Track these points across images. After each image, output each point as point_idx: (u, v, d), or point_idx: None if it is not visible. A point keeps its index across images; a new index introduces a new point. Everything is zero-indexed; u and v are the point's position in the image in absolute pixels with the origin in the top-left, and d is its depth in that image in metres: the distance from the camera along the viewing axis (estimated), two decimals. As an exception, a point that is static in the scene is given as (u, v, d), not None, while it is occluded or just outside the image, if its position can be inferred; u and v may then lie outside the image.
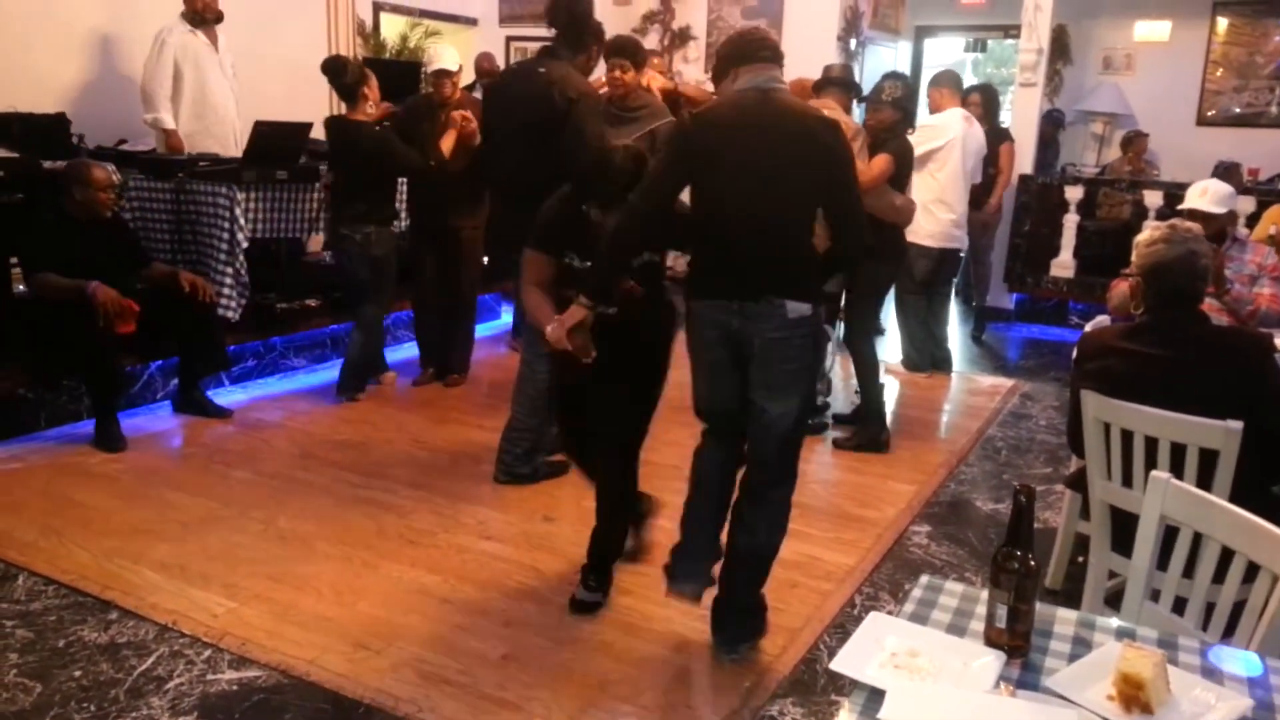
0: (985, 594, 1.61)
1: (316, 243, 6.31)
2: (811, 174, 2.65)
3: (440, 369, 5.47)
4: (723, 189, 2.66)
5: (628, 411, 3.05)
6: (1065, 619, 1.67)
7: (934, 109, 5.89)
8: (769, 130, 2.65)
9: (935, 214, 5.67)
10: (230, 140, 5.90)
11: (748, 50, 2.74)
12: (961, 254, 6.21)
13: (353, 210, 4.89)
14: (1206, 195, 3.81)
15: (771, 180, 2.62)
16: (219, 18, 5.80)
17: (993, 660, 1.49)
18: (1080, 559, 3.21)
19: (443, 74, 5.00)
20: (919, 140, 5.72)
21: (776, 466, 2.80)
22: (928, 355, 6.08)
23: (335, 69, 4.92)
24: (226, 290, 4.97)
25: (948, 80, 5.94)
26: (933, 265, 5.80)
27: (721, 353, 2.73)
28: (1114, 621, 1.71)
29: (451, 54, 5.12)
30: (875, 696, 1.41)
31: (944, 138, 5.70)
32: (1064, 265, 7.28)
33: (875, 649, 1.52)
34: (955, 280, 6.50)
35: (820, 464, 4.53)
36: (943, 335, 6.22)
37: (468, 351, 5.53)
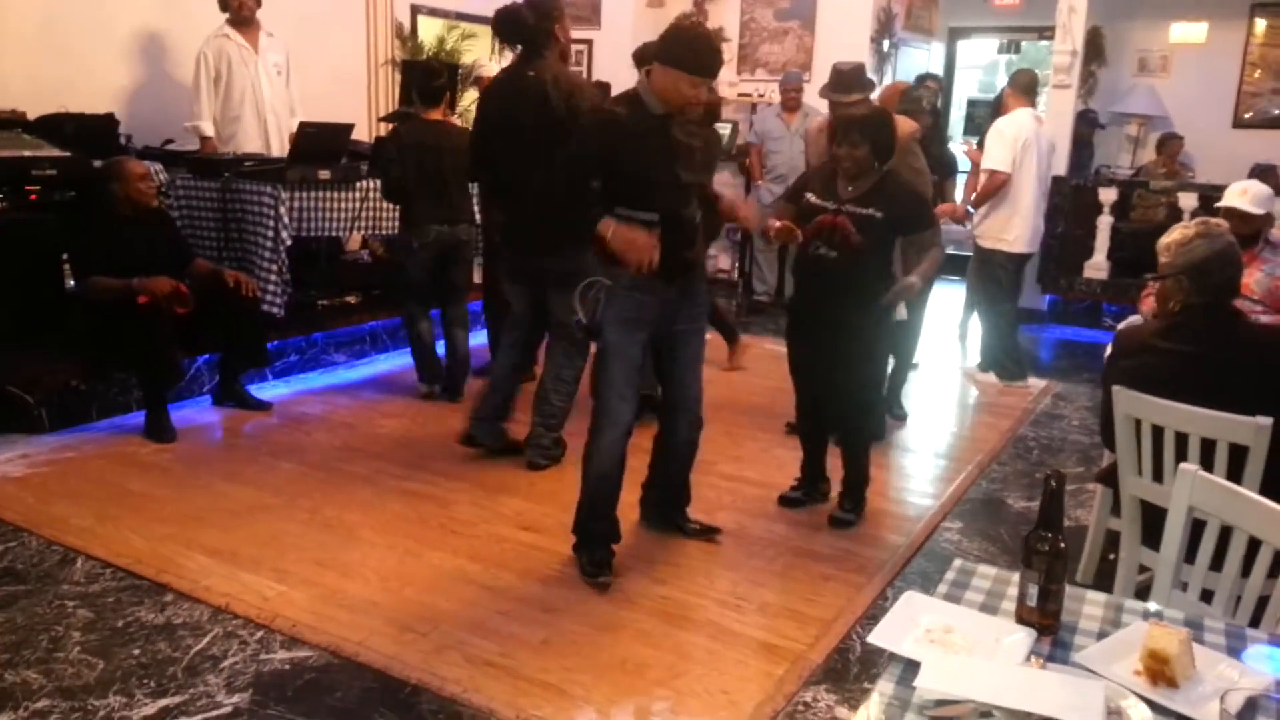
0: (1016, 576, 1.67)
1: (355, 241, 6.45)
2: None
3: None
4: None
5: None
6: (1095, 601, 1.72)
7: (1004, 110, 5.74)
8: None
9: (1016, 219, 5.60)
10: (275, 139, 5.96)
11: None
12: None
13: (439, 208, 4.91)
14: (1246, 195, 3.81)
15: None
16: (250, 18, 5.79)
17: (1024, 636, 1.55)
18: (1111, 556, 3.24)
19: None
20: (995, 146, 5.57)
21: None
22: (1021, 362, 6.01)
23: (429, 71, 5.03)
24: (271, 287, 5.09)
25: (1017, 81, 5.78)
26: (1016, 269, 5.78)
27: None
28: (1141, 604, 1.76)
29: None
30: (910, 668, 1.48)
31: (1023, 140, 5.52)
32: (1097, 267, 7.27)
33: (910, 625, 1.58)
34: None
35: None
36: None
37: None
